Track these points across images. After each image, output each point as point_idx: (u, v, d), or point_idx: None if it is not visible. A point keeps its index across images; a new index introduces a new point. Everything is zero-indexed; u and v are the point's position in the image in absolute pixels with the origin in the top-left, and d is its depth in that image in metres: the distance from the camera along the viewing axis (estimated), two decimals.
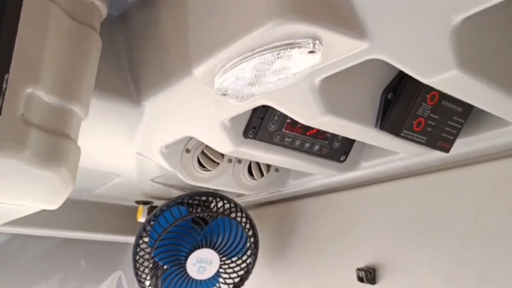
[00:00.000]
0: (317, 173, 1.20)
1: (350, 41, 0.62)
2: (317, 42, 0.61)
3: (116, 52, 0.96)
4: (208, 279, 1.37)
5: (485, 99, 0.72)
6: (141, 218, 1.50)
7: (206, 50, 0.67)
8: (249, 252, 1.43)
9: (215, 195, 1.38)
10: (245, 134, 0.96)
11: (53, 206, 0.76)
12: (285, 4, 0.58)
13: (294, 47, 0.61)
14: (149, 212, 1.49)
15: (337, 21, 0.60)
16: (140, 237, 1.34)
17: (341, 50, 0.64)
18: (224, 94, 0.71)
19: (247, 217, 1.42)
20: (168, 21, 0.84)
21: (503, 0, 0.54)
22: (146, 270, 1.34)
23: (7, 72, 0.64)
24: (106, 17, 0.82)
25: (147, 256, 1.34)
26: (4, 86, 0.64)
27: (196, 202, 1.37)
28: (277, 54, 0.62)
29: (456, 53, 0.60)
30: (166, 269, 1.33)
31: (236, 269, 1.43)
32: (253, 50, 0.62)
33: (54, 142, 0.69)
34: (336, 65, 0.69)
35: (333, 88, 0.77)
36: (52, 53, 0.70)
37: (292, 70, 0.65)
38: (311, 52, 0.62)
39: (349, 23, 0.61)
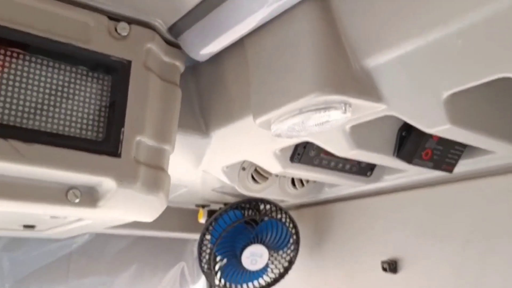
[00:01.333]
0: (347, 185, 1.31)
1: (371, 104, 0.76)
2: (347, 105, 0.75)
3: (189, 96, 1.06)
4: (260, 269, 1.51)
5: (474, 140, 0.85)
6: (202, 219, 1.62)
7: (266, 107, 0.81)
8: (292, 247, 1.55)
9: (264, 200, 1.51)
10: (292, 159, 1.08)
11: (150, 219, 0.90)
12: (323, 81, 0.72)
13: (331, 110, 0.75)
14: (208, 214, 1.61)
15: (361, 91, 0.74)
16: (203, 235, 1.49)
17: (365, 110, 0.78)
18: (277, 136, 0.85)
19: (290, 218, 1.54)
20: (232, 77, 0.96)
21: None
22: (209, 262, 1.48)
23: (123, 126, 0.79)
24: None
25: (209, 251, 1.48)
26: (121, 137, 0.79)
27: (248, 206, 1.51)
28: (318, 113, 0.76)
29: (448, 115, 0.73)
30: (225, 262, 1.48)
31: (282, 261, 1.56)
32: (301, 110, 0.76)
33: (155, 174, 0.82)
34: (362, 118, 0.83)
35: (360, 131, 0.90)
36: (150, 109, 0.83)
37: (329, 122, 0.79)
38: (343, 112, 0.75)
39: (371, 92, 0.75)
